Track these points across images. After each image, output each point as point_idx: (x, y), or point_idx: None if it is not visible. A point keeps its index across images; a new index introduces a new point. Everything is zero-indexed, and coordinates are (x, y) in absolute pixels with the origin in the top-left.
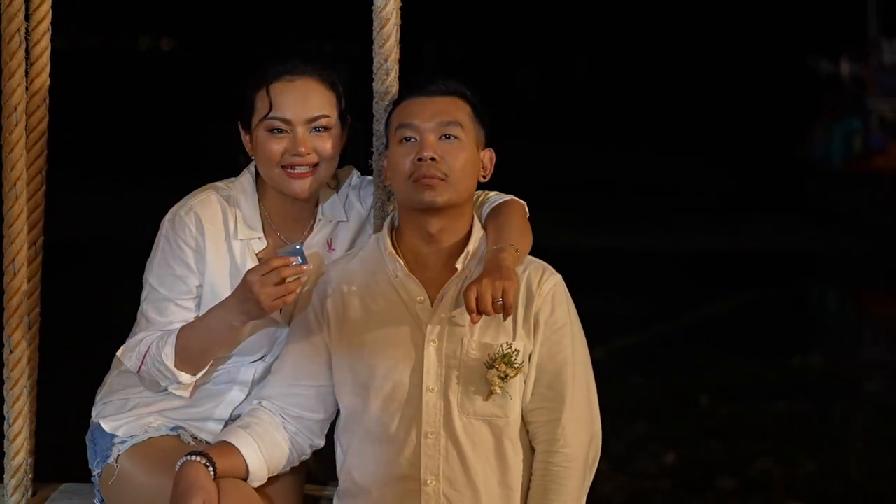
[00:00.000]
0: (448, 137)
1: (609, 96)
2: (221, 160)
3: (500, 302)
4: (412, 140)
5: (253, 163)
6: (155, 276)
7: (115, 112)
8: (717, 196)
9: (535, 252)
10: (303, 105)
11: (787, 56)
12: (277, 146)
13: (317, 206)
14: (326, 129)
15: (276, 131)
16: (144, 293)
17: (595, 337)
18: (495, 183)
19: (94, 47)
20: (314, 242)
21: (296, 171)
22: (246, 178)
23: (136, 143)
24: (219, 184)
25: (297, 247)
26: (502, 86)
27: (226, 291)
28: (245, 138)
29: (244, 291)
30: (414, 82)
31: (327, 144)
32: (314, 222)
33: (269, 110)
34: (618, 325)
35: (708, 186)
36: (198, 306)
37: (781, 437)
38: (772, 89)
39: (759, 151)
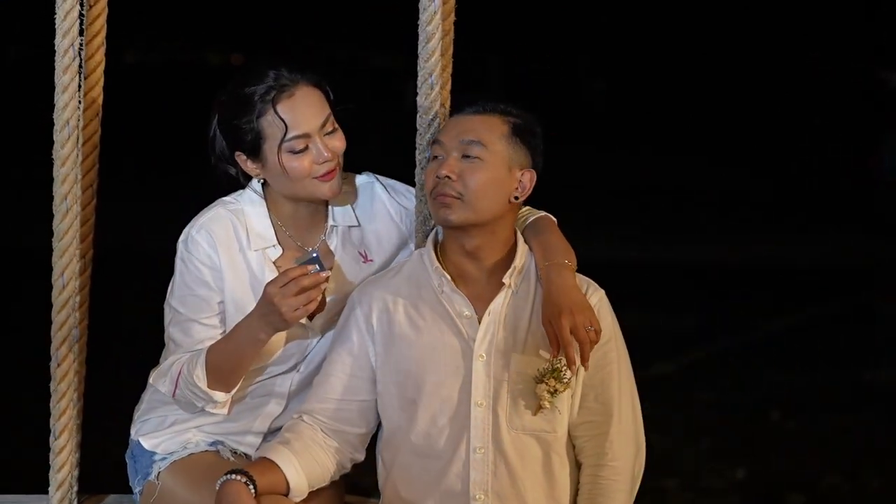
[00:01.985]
0: (470, 157)
1: (668, 103)
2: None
3: (591, 329)
4: (439, 157)
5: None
6: (176, 298)
7: (174, 124)
8: (775, 207)
9: (589, 265)
10: (312, 114)
11: (850, 69)
12: (305, 162)
13: (327, 209)
14: (334, 126)
15: (299, 150)
16: (168, 317)
17: (662, 352)
18: (559, 190)
19: (164, 61)
20: (343, 256)
21: (324, 175)
22: (252, 189)
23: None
24: (226, 198)
25: (314, 254)
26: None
27: (249, 303)
28: (248, 165)
29: (266, 304)
30: (462, 101)
31: (340, 140)
32: (327, 227)
33: (286, 132)
34: (683, 339)
35: (767, 197)
36: (223, 322)
37: (850, 452)
38: (829, 99)
39: (824, 162)
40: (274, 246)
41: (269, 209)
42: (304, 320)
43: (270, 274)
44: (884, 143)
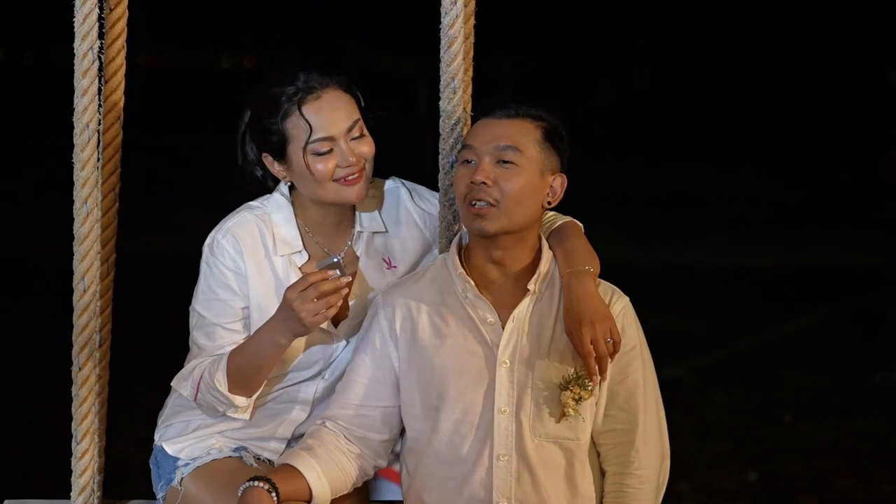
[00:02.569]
0: (505, 163)
1: (673, 107)
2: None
3: (610, 342)
4: (471, 162)
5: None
6: (200, 302)
7: (191, 127)
8: (787, 210)
9: (604, 267)
10: (338, 118)
11: (863, 70)
12: (329, 164)
13: (354, 214)
14: (362, 132)
15: (323, 152)
16: (193, 320)
17: (673, 354)
18: (568, 196)
19: (176, 64)
20: (367, 262)
21: (349, 179)
22: (278, 195)
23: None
24: (253, 203)
25: (336, 259)
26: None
27: (273, 309)
28: (274, 167)
29: (285, 309)
30: (489, 102)
31: (368, 146)
32: (354, 233)
33: (311, 134)
34: (695, 342)
35: (778, 200)
36: (246, 327)
37: (862, 455)
38: (845, 103)
39: (831, 164)
40: (300, 251)
41: (295, 214)
42: (327, 326)
43: (295, 279)
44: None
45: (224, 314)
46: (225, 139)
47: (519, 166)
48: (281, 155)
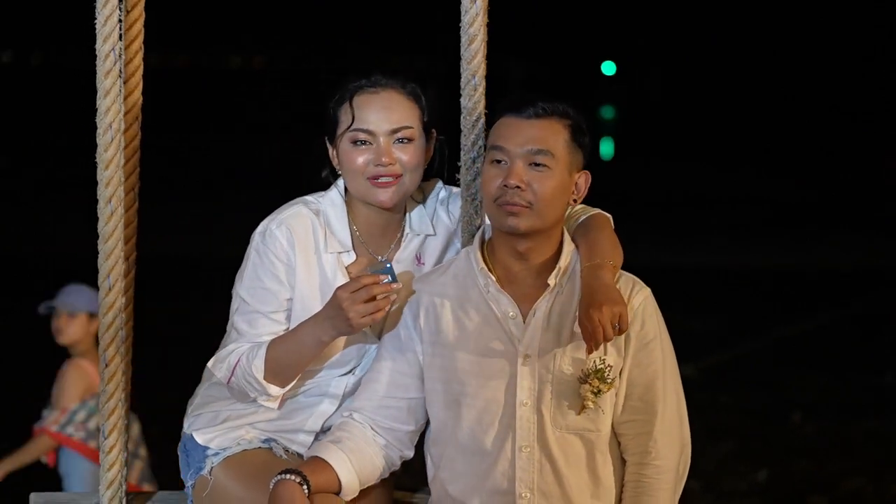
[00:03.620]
0: (537, 165)
1: (674, 108)
2: (292, 176)
3: (617, 327)
4: (502, 163)
5: (341, 178)
6: (245, 288)
7: (204, 128)
8: (795, 210)
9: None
10: (385, 117)
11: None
12: (361, 157)
13: (404, 219)
14: (409, 140)
15: (359, 143)
16: (234, 305)
17: (682, 354)
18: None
19: (186, 65)
20: (403, 257)
21: (380, 180)
22: (334, 193)
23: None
24: (308, 197)
25: (388, 265)
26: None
27: (316, 305)
28: (331, 153)
29: (334, 307)
30: (514, 99)
31: (411, 155)
32: (402, 236)
33: (352, 122)
34: (703, 342)
35: (777, 200)
36: (288, 319)
37: (871, 455)
38: (845, 103)
39: (832, 165)
40: (348, 251)
41: (348, 214)
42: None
43: (343, 278)
44: None
45: (268, 303)
46: (224, 140)
47: (551, 169)
48: (332, 139)
